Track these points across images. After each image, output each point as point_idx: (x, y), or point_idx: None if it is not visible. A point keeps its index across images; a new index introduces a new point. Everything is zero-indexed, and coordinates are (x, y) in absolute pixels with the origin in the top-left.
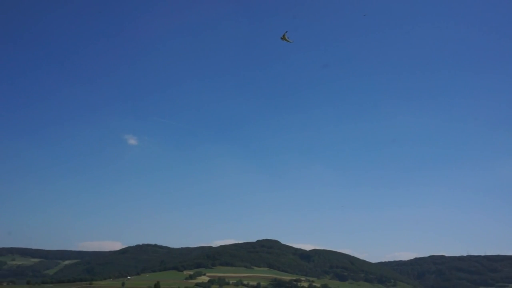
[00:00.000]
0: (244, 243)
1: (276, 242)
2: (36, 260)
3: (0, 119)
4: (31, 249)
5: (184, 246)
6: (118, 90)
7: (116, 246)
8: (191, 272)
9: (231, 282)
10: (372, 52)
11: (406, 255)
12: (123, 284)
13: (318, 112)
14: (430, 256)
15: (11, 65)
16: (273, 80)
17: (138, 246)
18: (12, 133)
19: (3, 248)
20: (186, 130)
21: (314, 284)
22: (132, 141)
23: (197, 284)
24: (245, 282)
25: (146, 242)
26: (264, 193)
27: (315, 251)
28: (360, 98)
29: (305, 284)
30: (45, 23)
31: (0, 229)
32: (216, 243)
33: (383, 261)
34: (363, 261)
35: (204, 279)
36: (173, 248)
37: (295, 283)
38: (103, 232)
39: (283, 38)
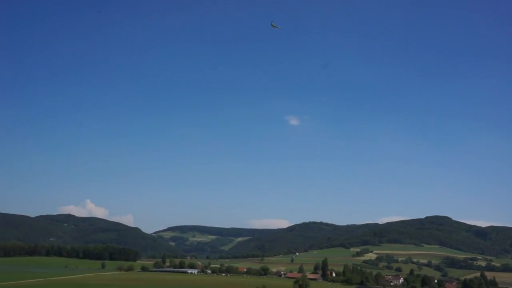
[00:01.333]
0: (411, 219)
1: (446, 219)
2: (213, 237)
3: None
4: (208, 227)
5: (349, 223)
6: (278, 72)
7: (284, 224)
8: (358, 249)
9: (399, 259)
10: None
11: None
12: (292, 260)
13: (490, 78)
14: None
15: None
16: (434, 46)
17: (304, 223)
18: (185, 122)
19: (185, 226)
20: (346, 106)
21: (492, 263)
22: (294, 121)
23: (364, 261)
24: (414, 260)
25: (311, 220)
26: (430, 167)
27: (492, 228)
28: None
29: (482, 263)
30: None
31: (183, 210)
32: (382, 220)
33: None
34: None
35: (371, 256)
36: (338, 226)
37: (470, 261)
38: (271, 210)
39: (272, 25)
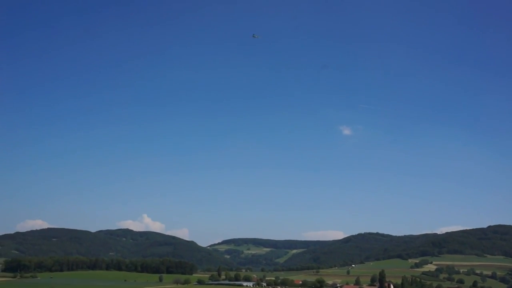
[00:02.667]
0: (473, 229)
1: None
2: (267, 249)
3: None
4: (263, 239)
5: (406, 233)
6: (332, 81)
7: (339, 235)
8: (417, 261)
9: (461, 271)
10: None
11: None
12: (348, 272)
13: None
14: None
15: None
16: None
17: (360, 234)
18: (225, 130)
19: (239, 239)
20: (399, 116)
21: None
22: (347, 131)
23: (424, 273)
24: (477, 272)
25: (367, 231)
26: (491, 174)
27: None
28: None
29: None
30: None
31: (237, 223)
32: (441, 230)
33: None
34: None
35: (431, 267)
36: (395, 236)
37: None
38: (326, 222)
39: (254, 36)
